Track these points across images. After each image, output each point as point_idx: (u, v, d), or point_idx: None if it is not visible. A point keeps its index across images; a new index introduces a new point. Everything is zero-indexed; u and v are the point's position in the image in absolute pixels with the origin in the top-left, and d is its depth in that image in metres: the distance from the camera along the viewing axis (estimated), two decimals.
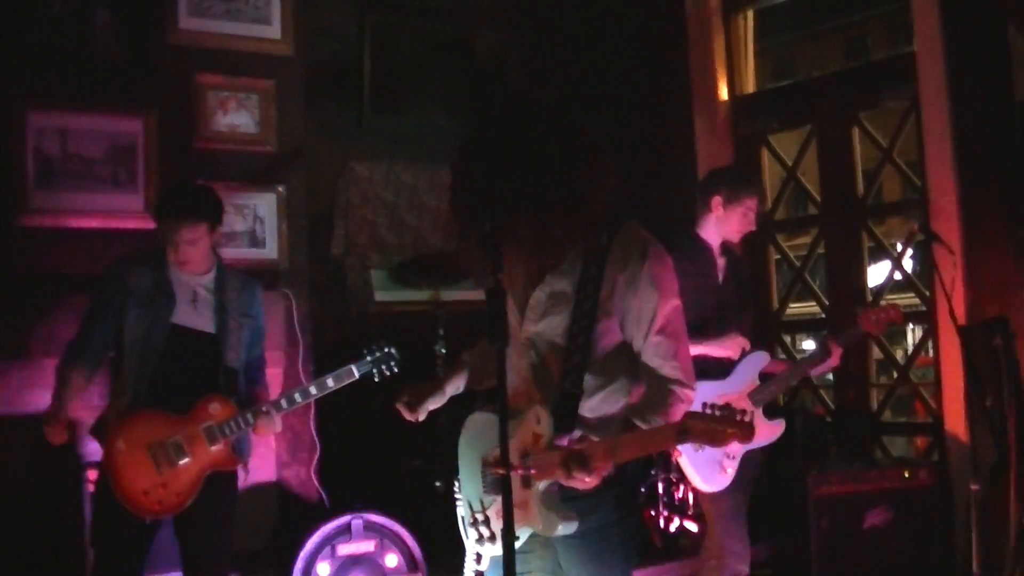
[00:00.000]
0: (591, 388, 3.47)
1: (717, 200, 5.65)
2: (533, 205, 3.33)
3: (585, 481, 3.20)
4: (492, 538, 3.62)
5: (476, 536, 3.70)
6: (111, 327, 4.92)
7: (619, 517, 3.52)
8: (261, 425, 4.91)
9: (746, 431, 2.87)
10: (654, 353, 3.44)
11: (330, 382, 5.13)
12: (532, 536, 3.47)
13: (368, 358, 5.22)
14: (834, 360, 5.71)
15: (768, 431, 5.49)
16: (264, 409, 4.91)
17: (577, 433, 3.38)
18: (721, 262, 5.74)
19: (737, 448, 5.29)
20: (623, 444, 3.22)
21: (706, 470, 5.39)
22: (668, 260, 3.56)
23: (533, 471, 3.35)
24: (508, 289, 3.36)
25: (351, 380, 5.19)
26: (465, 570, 3.77)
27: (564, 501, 3.39)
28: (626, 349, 3.51)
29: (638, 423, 3.33)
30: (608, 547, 3.51)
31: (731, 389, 5.47)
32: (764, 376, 5.62)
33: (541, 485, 3.37)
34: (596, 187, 3.51)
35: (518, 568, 3.15)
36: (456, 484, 3.89)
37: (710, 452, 5.32)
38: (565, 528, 3.37)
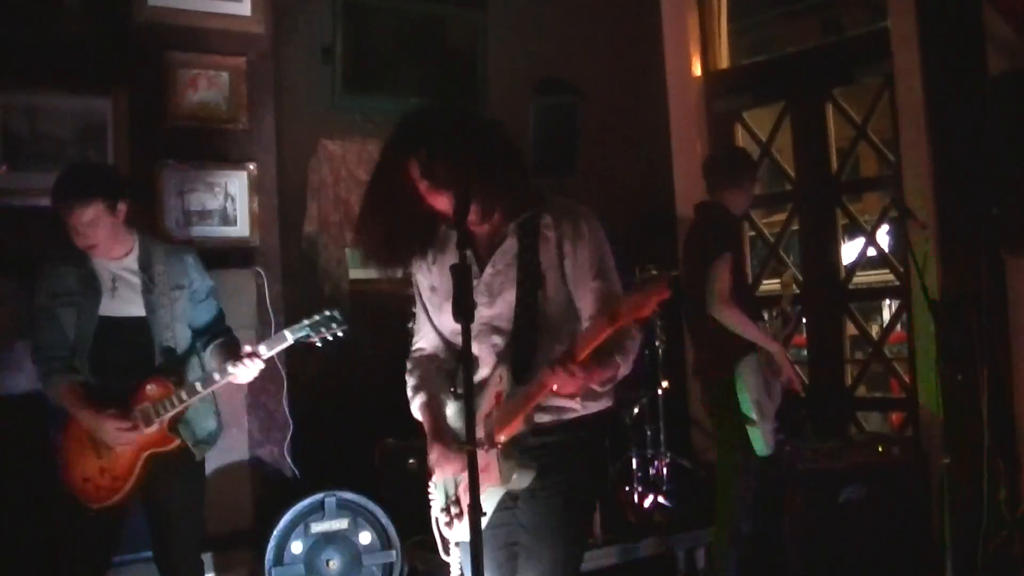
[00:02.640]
0: (542, 344, 3.64)
1: (749, 180, 6.23)
2: (478, 192, 3.50)
3: (571, 381, 3.36)
4: (460, 515, 3.75)
5: (447, 520, 3.84)
6: (57, 328, 4.88)
7: (589, 478, 3.76)
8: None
9: (661, 285, 3.19)
10: (596, 298, 3.65)
11: (263, 349, 4.98)
12: (502, 497, 3.67)
13: (305, 322, 5.06)
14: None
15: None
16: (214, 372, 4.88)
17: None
18: None
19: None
20: (582, 339, 3.39)
21: (767, 437, 5.90)
22: (594, 219, 3.78)
23: (497, 428, 3.53)
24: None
25: (285, 345, 5.06)
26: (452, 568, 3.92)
27: (536, 459, 3.59)
28: (571, 310, 3.73)
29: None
30: (573, 505, 3.69)
31: None
32: None
33: (501, 438, 3.54)
34: (518, 170, 3.71)
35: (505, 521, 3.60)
36: (432, 484, 3.99)
37: (768, 421, 5.89)
38: (521, 478, 3.56)
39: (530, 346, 3.66)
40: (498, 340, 3.72)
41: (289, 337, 5.03)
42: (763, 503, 6.31)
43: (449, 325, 3.86)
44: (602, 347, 3.38)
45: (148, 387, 4.76)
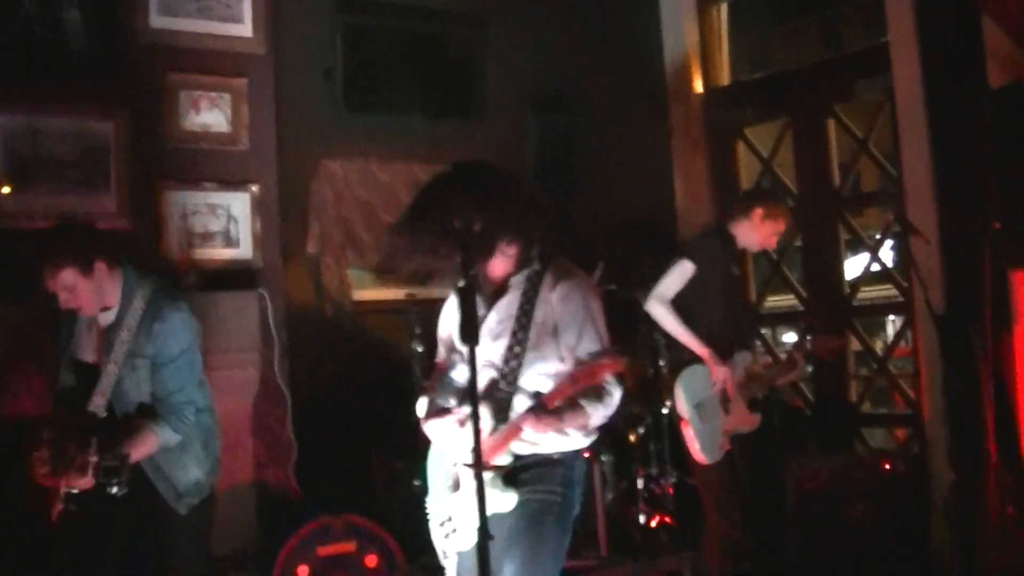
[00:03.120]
0: (521, 389, 4.09)
1: (759, 211, 6.30)
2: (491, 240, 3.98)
3: (542, 427, 3.92)
4: (455, 531, 4.20)
5: (444, 534, 4.27)
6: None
7: (562, 493, 4.12)
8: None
9: (615, 360, 3.91)
10: (586, 349, 4.06)
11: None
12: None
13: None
14: (796, 373, 6.61)
15: (751, 421, 6.24)
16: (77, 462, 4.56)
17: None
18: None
19: (731, 426, 6.13)
20: (554, 391, 3.96)
21: (708, 444, 6.09)
22: (592, 283, 4.32)
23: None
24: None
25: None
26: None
27: (515, 473, 4.05)
28: (554, 361, 4.12)
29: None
30: (546, 518, 4.08)
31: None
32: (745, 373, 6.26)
33: (488, 475, 3.86)
34: (532, 230, 4.13)
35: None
36: (428, 500, 4.45)
37: (712, 428, 6.09)
38: (509, 500, 4.02)
39: (511, 389, 4.07)
40: (493, 376, 4.12)
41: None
42: (760, 516, 6.33)
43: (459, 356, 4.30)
44: (573, 399, 3.92)
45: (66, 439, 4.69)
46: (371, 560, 6.19)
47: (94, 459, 4.46)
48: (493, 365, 4.12)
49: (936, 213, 6.68)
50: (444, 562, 4.33)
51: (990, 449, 5.99)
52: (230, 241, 6.71)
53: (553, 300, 4.11)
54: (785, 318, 9.05)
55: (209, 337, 6.13)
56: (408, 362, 6.75)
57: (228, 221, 6.70)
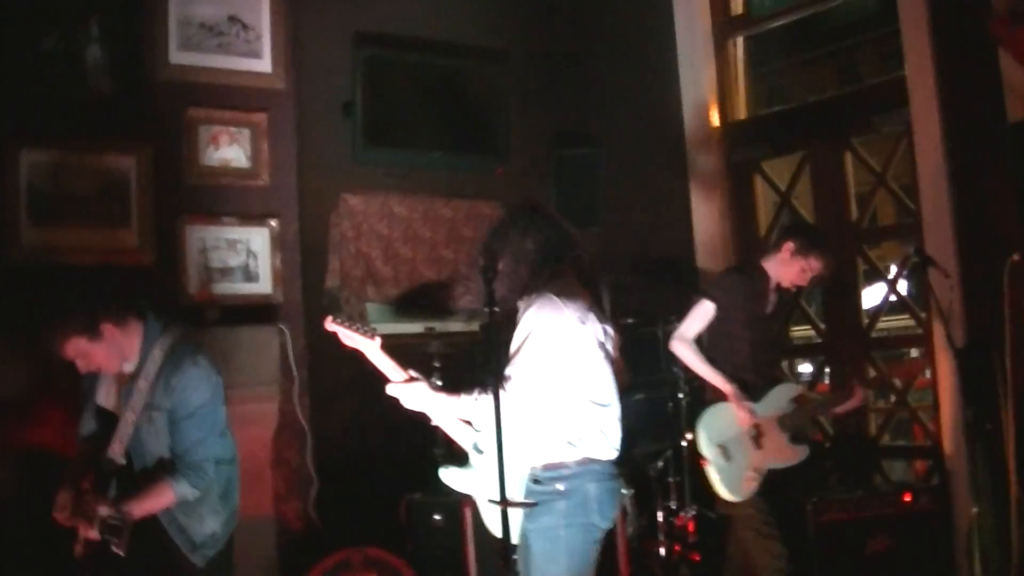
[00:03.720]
0: None
1: (790, 245, 6.26)
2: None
3: None
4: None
5: None
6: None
7: (566, 524, 4.31)
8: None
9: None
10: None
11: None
12: None
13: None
14: (856, 401, 6.42)
15: (792, 454, 6.23)
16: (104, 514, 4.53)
17: None
18: (773, 297, 6.38)
19: (761, 462, 6.08)
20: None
21: (734, 482, 6.06)
22: (548, 305, 4.32)
23: None
24: None
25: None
26: None
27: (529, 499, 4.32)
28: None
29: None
30: (552, 546, 4.29)
31: (762, 412, 6.17)
32: (794, 404, 6.30)
33: None
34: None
35: None
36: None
37: (737, 466, 6.06)
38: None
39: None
40: None
41: None
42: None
43: None
44: None
45: (84, 484, 4.72)
46: None
47: (104, 512, 4.47)
48: None
49: (955, 245, 6.67)
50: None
51: (1010, 482, 5.97)
52: (250, 276, 6.72)
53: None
54: (803, 350, 9.03)
55: (229, 371, 6.14)
56: None
57: (248, 256, 6.72)
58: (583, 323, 4.38)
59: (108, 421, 4.88)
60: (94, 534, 4.48)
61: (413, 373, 4.66)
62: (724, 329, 6.22)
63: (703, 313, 6.21)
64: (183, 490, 4.73)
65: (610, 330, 4.57)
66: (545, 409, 4.34)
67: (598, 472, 4.40)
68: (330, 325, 4.64)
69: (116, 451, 4.78)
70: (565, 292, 4.37)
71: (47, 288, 5.99)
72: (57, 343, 4.71)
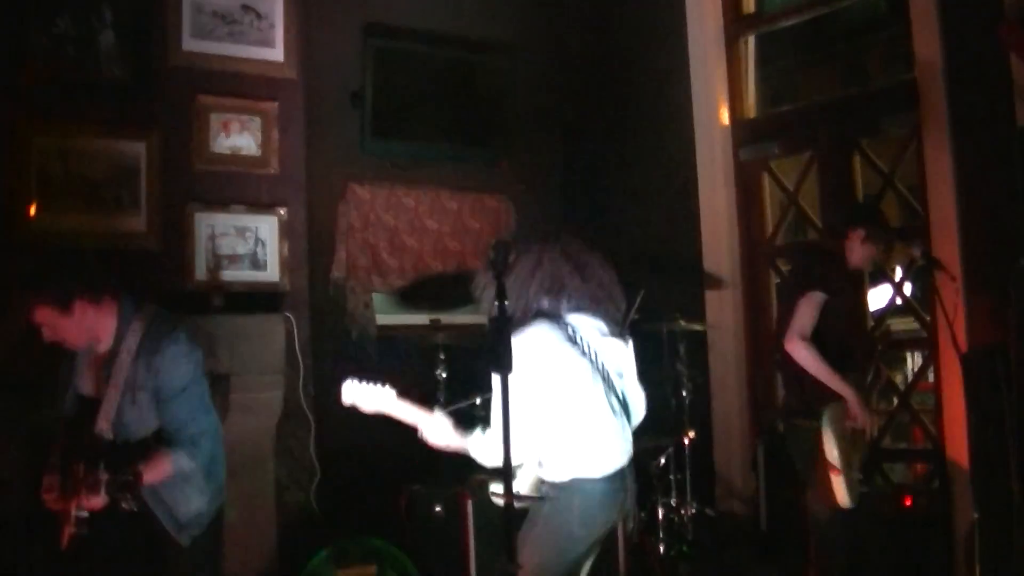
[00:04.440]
0: None
1: (860, 232, 6.17)
2: None
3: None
4: None
5: None
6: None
7: (542, 523, 4.52)
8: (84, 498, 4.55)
9: None
10: None
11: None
12: None
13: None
14: None
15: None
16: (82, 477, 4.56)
17: None
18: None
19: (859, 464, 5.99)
20: None
21: (853, 487, 5.80)
22: (527, 342, 4.45)
23: None
24: None
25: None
26: None
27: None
28: None
29: None
30: (526, 532, 4.47)
31: None
32: None
33: None
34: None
35: None
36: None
37: (854, 470, 5.86)
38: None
39: None
40: None
41: None
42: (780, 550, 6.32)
43: None
44: None
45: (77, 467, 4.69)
46: None
47: (105, 476, 4.43)
48: None
49: (961, 249, 6.67)
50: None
51: (1013, 486, 5.98)
52: (257, 264, 6.74)
53: None
54: None
55: (234, 358, 6.19)
56: (432, 387, 6.76)
57: (256, 244, 6.74)
58: (560, 351, 4.52)
59: (88, 409, 4.84)
60: (97, 501, 4.45)
61: (437, 415, 4.76)
62: (824, 322, 5.99)
63: (816, 305, 5.92)
64: (181, 462, 4.74)
65: (619, 346, 4.75)
66: (536, 439, 4.50)
67: (587, 489, 4.52)
68: (347, 398, 4.80)
69: (103, 427, 4.75)
70: (551, 320, 4.56)
71: (54, 272, 6.06)
72: (27, 308, 4.70)
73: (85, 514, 4.50)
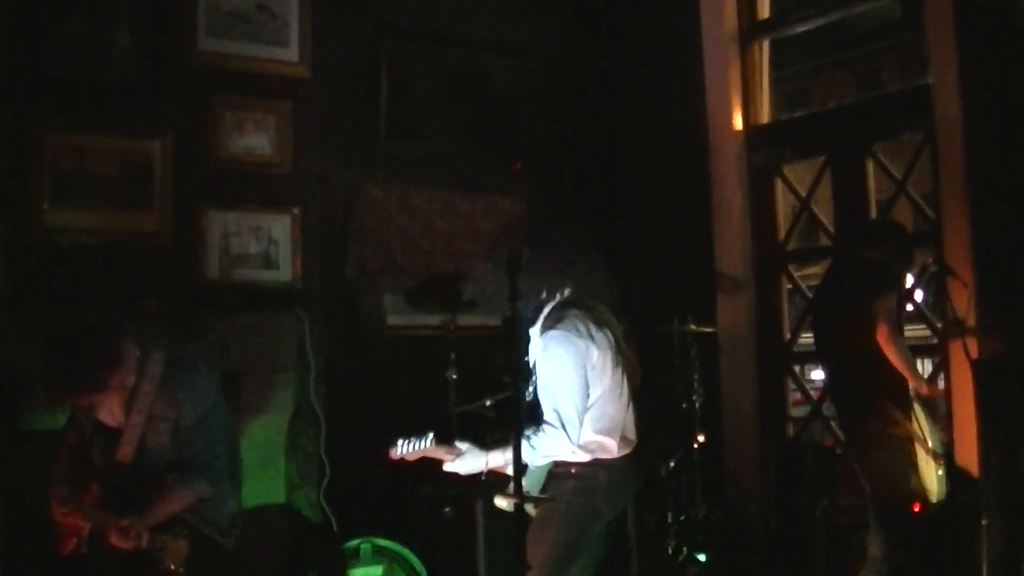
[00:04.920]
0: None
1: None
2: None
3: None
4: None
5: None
6: None
7: (568, 500, 4.65)
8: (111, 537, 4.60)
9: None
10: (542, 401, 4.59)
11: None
12: None
13: None
14: None
15: None
16: (123, 524, 4.57)
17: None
18: None
19: None
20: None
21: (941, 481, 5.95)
22: (564, 342, 4.61)
23: None
24: None
25: None
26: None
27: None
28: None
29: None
30: (548, 515, 4.62)
31: None
32: None
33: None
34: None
35: None
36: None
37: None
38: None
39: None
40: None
41: None
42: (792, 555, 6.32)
43: None
44: None
45: (92, 487, 4.77)
46: None
47: (147, 535, 4.56)
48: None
49: (972, 255, 6.66)
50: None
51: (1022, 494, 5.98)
52: (269, 263, 6.75)
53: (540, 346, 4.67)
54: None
55: (246, 357, 6.21)
56: (442, 388, 6.77)
57: (268, 243, 6.75)
58: (598, 338, 4.69)
59: (108, 438, 4.89)
60: (127, 546, 4.54)
61: (461, 445, 4.80)
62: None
63: (895, 304, 6.01)
64: (200, 490, 4.82)
65: (619, 332, 4.88)
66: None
67: (609, 465, 4.74)
68: (395, 454, 4.85)
69: (125, 454, 4.82)
70: (579, 308, 4.73)
71: (66, 267, 6.09)
72: (65, 399, 4.80)
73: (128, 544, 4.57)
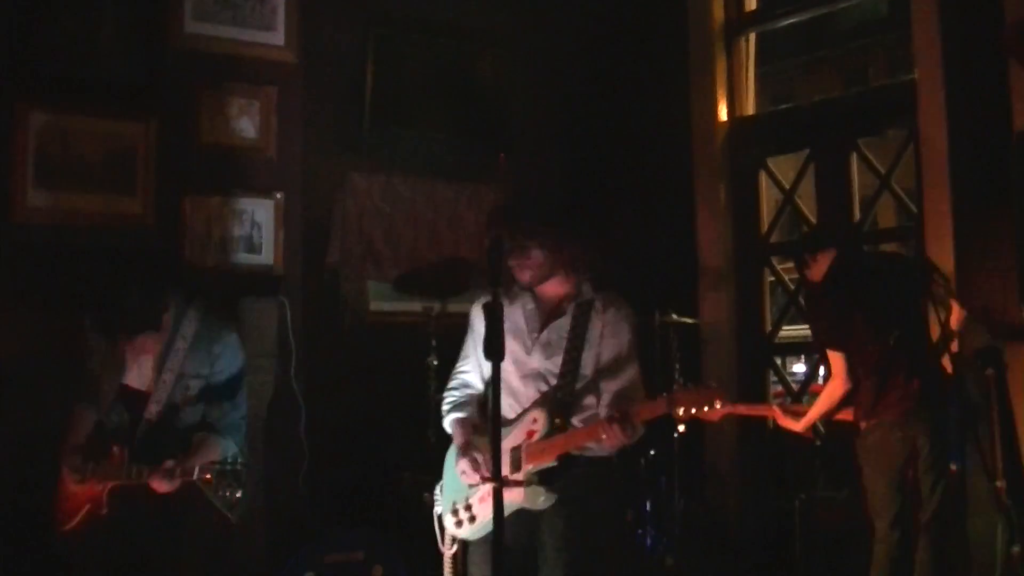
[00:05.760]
0: (575, 402, 4.47)
1: None
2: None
3: (622, 436, 4.16)
4: (472, 519, 4.52)
5: (455, 522, 4.63)
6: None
7: (606, 503, 4.54)
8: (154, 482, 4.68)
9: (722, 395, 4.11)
10: (625, 381, 4.50)
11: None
12: (516, 510, 4.27)
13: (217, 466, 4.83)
14: None
15: None
16: (167, 465, 4.66)
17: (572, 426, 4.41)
18: None
19: None
20: (643, 407, 4.26)
21: None
22: (634, 320, 4.64)
23: (528, 458, 4.35)
24: (519, 333, 4.55)
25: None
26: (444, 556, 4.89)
27: (563, 487, 4.35)
28: (595, 381, 4.52)
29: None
30: (595, 523, 4.43)
31: None
32: None
33: (529, 467, 4.33)
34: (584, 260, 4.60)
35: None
36: (438, 488, 4.83)
37: None
38: (547, 501, 4.32)
39: (567, 400, 4.44)
40: (544, 387, 4.49)
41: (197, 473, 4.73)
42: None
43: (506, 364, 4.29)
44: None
45: (114, 449, 4.82)
46: (377, 571, 6.21)
47: (197, 467, 4.62)
48: (549, 376, 4.50)
49: (954, 252, 6.68)
50: (444, 548, 4.90)
51: (998, 489, 6.00)
52: (253, 248, 6.75)
53: (601, 327, 4.53)
54: (798, 348, 9.06)
55: None
56: (423, 375, 6.78)
57: (252, 228, 6.75)
58: None
59: (135, 402, 4.95)
60: (168, 487, 4.64)
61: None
62: None
63: None
64: (228, 446, 4.91)
65: None
66: None
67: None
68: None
69: (152, 412, 4.90)
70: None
71: (48, 248, 6.08)
72: (127, 342, 4.89)
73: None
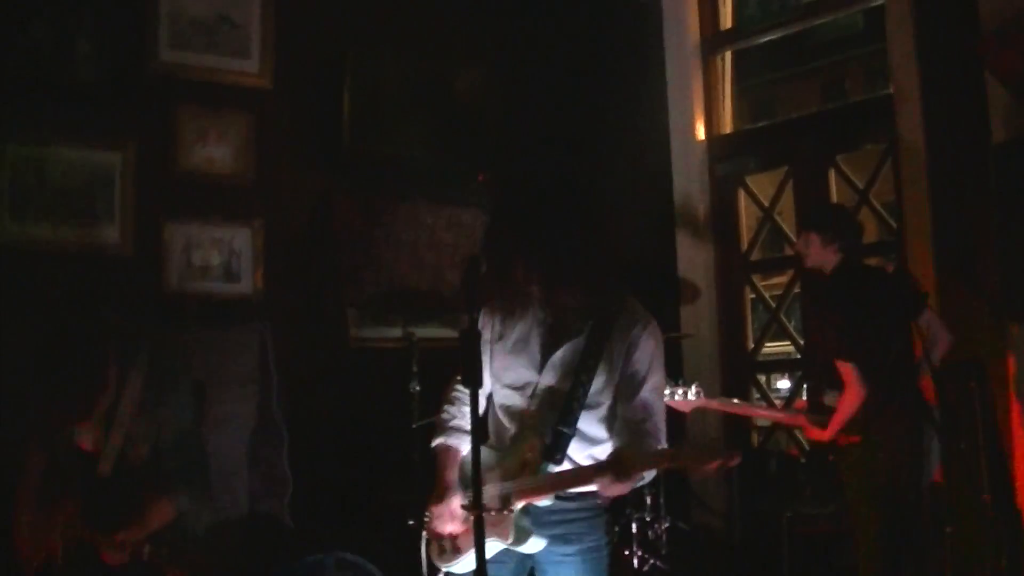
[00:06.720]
0: (578, 431, 4.05)
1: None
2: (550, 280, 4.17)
3: (613, 488, 3.75)
4: (456, 550, 4.16)
5: (439, 551, 4.25)
6: None
7: (608, 540, 4.16)
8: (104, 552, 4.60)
9: (729, 460, 3.61)
10: (641, 407, 4.05)
11: None
12: (504, 550, 4.01)
13: None
14: None
15: None
16: (118, 538, 4.57)
17: (566, 464, 4.02)
18: None
19: None
20: (641, 459, 3.77)
21: None
22: (661, 336, 4.23)
23: (519, 494, 3.97)
24: (523, 348, 4.18)
25: None
26: None
27: (561, 523, 4.03)
28: (612, 408, 4.11)
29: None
30: (599, 566, 4.09)
31: None
32: None
33: (518, 505, 3.96)
34: (602, 266, 4.29)
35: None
36: (427, 515, 4.30)
37: None
38: (535, 544, 3.99)
39: (570, 431, 4.02)
40: (549, 411, 4.06)
41: None
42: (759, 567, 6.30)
43: (507, 376, 4.22)
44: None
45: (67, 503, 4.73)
46: None
47: (147, 548, 4.52)
48: (557, 399, 4.06)
49: (935, 265, 6.69)
50: None
51: (985, 500, 6.00)
52: (231, 275, 6.73)
53: (623, 347, 4.11)
54: (781, 365, 9.06)
55: (208, 370, 6.17)
56: (406, 400, 6.75)
57: (230, 255, 6.73)
58: None
59: (85, 462, 4.81)
60: (121, 559, 4.53)
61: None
62: None
63: None
64: (182, 504, 4.77)
65: None
66: None
67: None
68: None
69: (104, 471, 4.76)
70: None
71: (28, 282, 6.04)
72: (58, 426, 4.76)
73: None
